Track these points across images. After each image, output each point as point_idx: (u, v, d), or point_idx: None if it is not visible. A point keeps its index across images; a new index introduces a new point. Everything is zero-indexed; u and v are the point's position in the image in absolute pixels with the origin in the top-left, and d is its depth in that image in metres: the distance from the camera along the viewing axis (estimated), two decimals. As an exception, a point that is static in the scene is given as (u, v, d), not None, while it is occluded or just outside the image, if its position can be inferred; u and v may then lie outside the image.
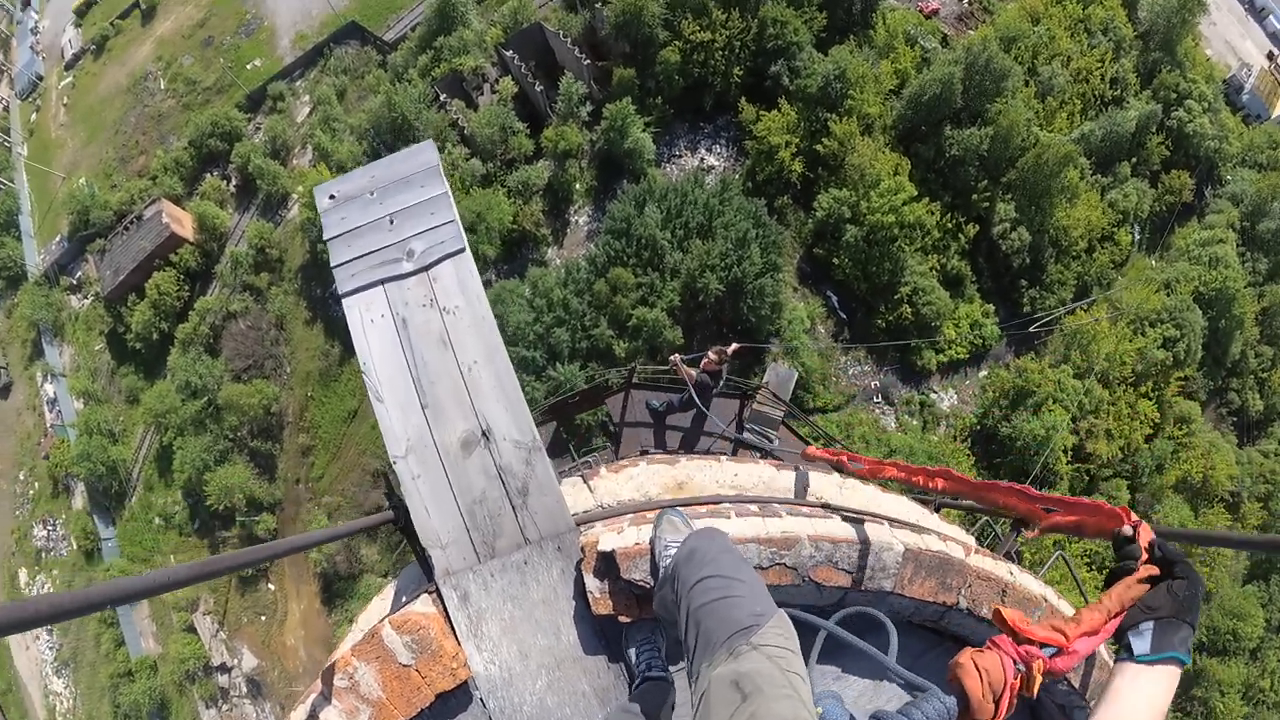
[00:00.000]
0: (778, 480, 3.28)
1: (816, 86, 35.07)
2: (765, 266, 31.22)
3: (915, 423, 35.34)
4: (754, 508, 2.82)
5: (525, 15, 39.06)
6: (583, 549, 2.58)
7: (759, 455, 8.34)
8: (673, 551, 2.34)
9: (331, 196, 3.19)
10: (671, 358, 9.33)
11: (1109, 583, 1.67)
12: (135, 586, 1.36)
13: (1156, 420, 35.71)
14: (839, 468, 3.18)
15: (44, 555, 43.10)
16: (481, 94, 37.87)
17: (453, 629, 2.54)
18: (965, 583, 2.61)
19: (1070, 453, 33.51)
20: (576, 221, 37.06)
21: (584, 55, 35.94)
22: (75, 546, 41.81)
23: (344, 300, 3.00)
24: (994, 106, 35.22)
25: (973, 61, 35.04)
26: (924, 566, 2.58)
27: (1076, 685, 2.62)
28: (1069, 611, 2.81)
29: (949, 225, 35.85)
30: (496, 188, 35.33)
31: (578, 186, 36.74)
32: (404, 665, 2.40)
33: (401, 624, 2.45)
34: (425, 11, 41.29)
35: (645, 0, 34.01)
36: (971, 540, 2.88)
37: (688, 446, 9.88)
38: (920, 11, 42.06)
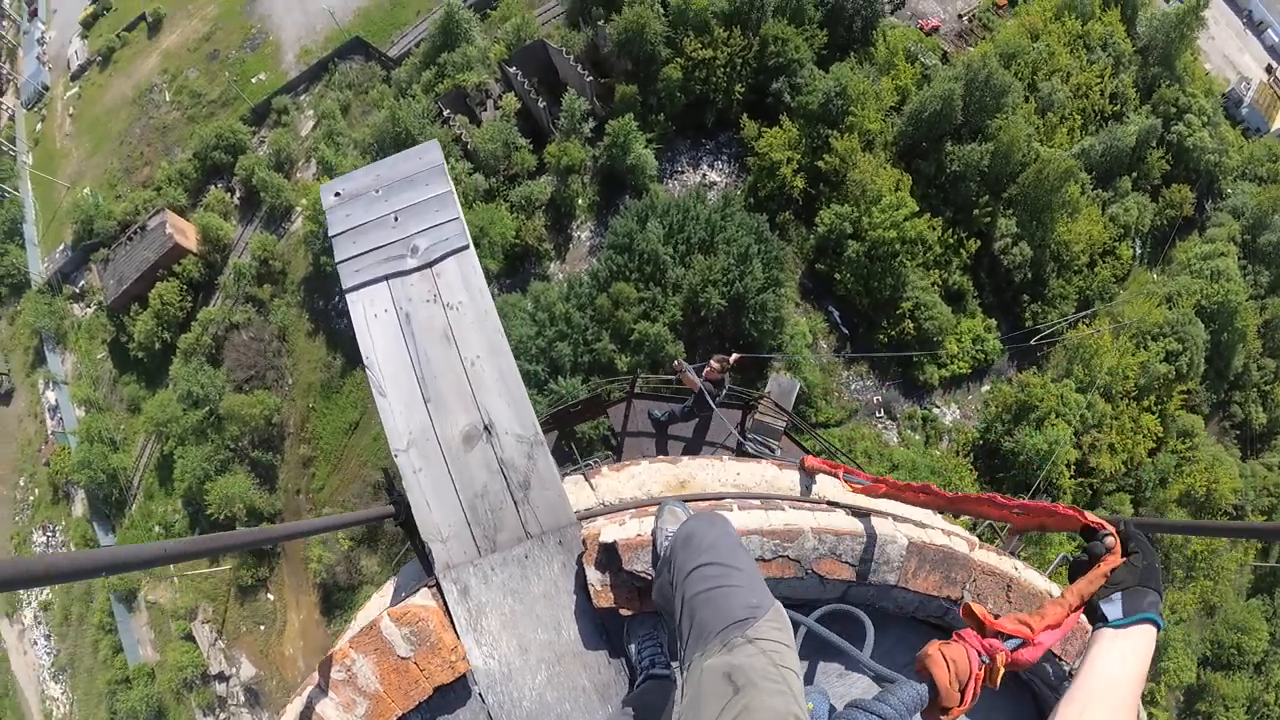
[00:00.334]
0: (780, 480, 3.26)
1: (818, 103, 35.30)
2: (767, 282, 31.27)
3: (918, 437, 35.26)
4: (756, 502, 2.81)
5: (528, 32, 39.39)
6: (584, 541, 2.57)
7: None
8: None
9: (337, 194, 3.21)
10: (676, 363, 9.34)
11: (1073, 576, 1.77)
12: (131, 556, 1.36)
13: (1159, 434, 35.65)
14: (833, 475, 3.20)
15: (43, 563, 42.94)
16: (485, 110, 38.12)
17: (452, 622, 2.52)
18: (970, 577, 2.60)
19: (1073, 467, 33.42)
20: (579, 236, 37.19)
21: (587, 72, 36.18)
22: (74, 554, 41.71)
23: (348, 295, 3.01)
24: (994, 122, 35.39)
25: (973, 78, 35.22)
26: (928, 560, 2.57)
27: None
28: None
29: (950, 240, 35.93)
30: (499, 203, 35.51)
31: (580, 202, 36.89)
32: (402, 658, 2.38)
33: (401, 616, 2.43)
34: (429, 28, 41.71)
35: (648, 18, 34.29)
36: (975, 538, 2.87)
37: (690, 455, 9.86)
38: (920, 29, 42.39)
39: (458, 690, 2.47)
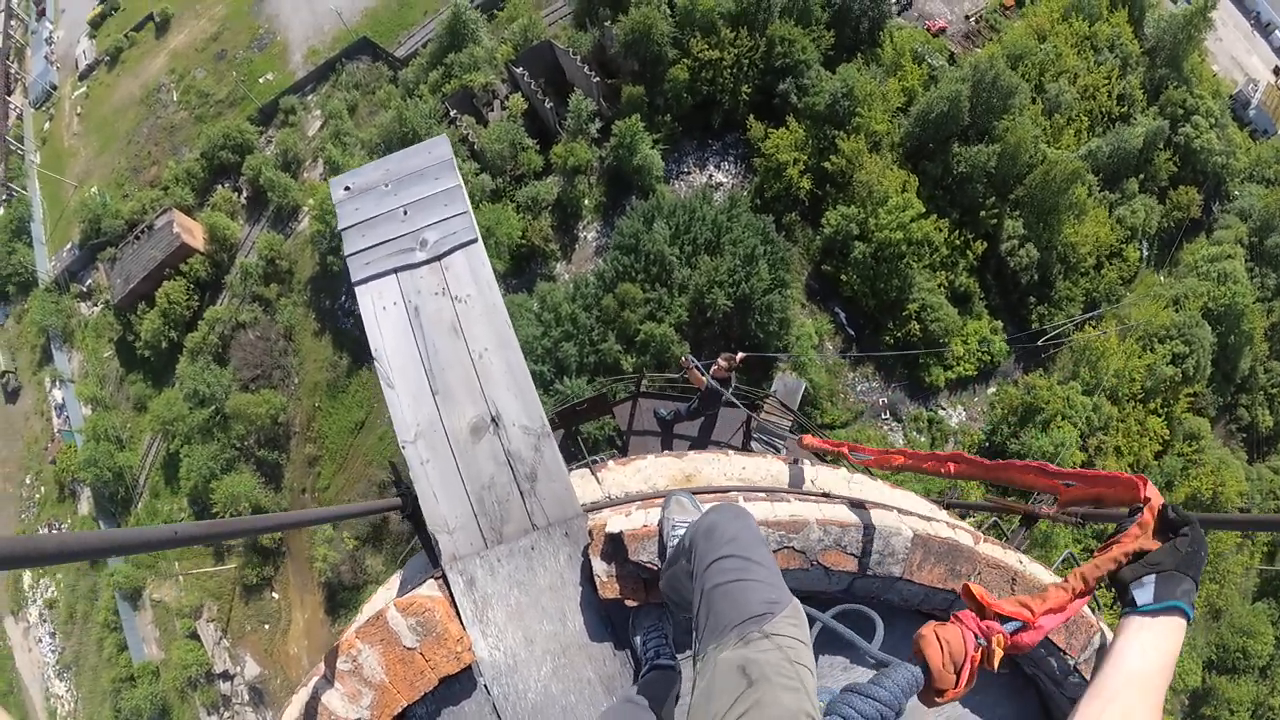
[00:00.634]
0: (786, 475, 3.27)
1: (824, 104, 35.24)
2: (773, 283, 31.22)
3: (923, 439, 35.17)
4: (762, 495, 2.81)
5: (535, 33, 39.43)
6: (590, 532, 2.58)
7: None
8: (680, 532, 2.32)
9: (347, 188, 3.23)
10: (683, 359, 9.36)
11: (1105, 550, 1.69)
12: (142, 537, 1.37)
13: (1166, 437, 35.49)
14: (839, 459, 3.16)
15: (49, 560, 43.20)
16: (491, 110, 38.17)
17: (458, 614, 2.53)
18: (975, 569, 2.60)
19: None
20: (585, 237, 37.22)
21: (593, 73, 36.21)
22: (80, 552, 41.89)
23: (357, 288, 3.04)
24: (1001, 124, 35.27)
25: (980, 79, 35.13)
26: (933, 552, 2.57)
27: (1089, 677, 2.60)
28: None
29: (957, 242, 35.82)
30: (506, 203, 35.54)
31: (586, 202, 36.93)
32: (408, 648, 2.39)
33: (407, 606, 2.44)
34: (436, 28, 41.76)
35: (654, 19, 34.28)
36: (979, 532, 2.87)
37: (696, 451, 9.85)
38: (927, 30, 42.29)
39: (463, 681, 2.48)
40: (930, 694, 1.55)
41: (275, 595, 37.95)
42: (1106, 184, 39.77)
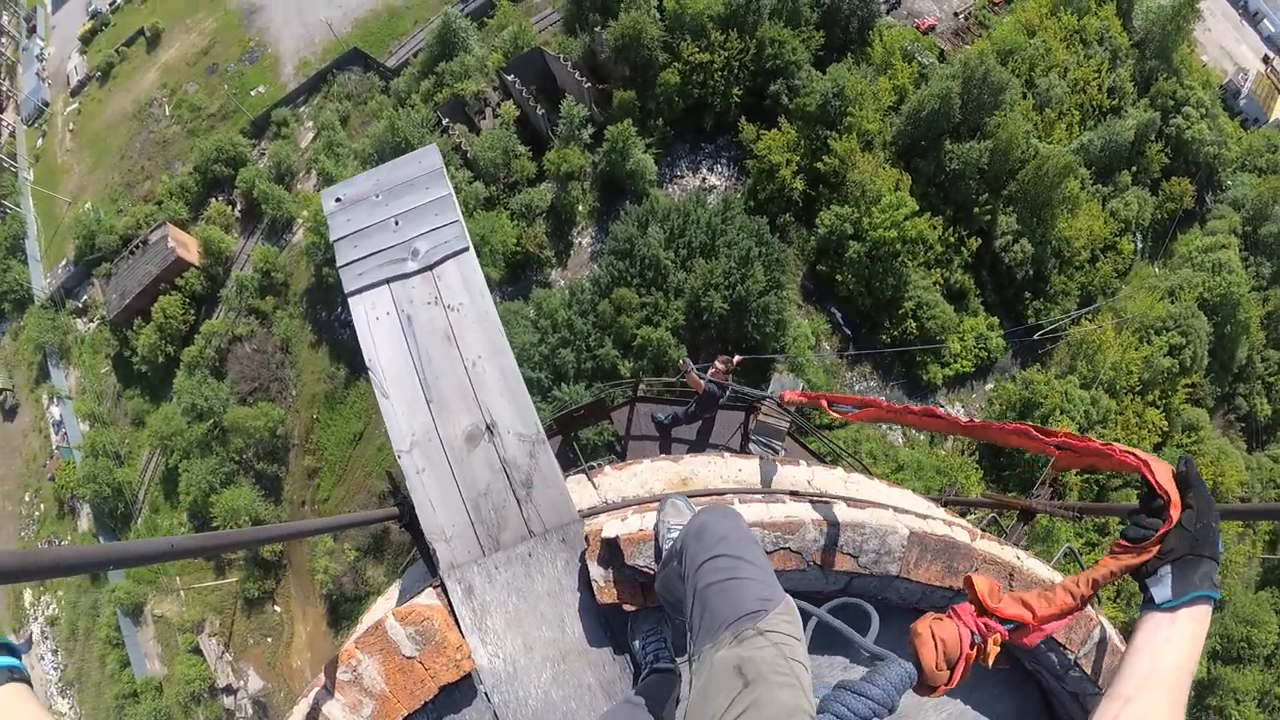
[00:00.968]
0: (782, 476, 3.28)
1: (815, 104, 35.33)
2: (769, 284, 31.24)
3: (923, 438, 35.20)
4: (758, 497, 2.81)
5: (526, 40, 39.48)
6: (587, 538, 2.58)
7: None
8: (675, 535, 2.33)
9: (338, 199, 3.24)
10: (681, 363, 9.36)
11: (1126, 540, 1.58)
12: (139, 551, 1.37)
13: (1165, 428, 35.57)
14: (816, 409, 3.13)
15: (50, 577, 43.10)
16: (484, 118, 38.21)
17: (457, 622, 2.53)
18: (972, 566, 2.60)
19: (1078, 463, 33.27)
20: (580, 243, 37.23)
21: (584, 78, 36.28)
22: (81, 569, 41.79)
23: (350, 299, 3.04)
24: (992, 120, 35.39)
25: (970, 75, 35.25)
26: (929, 550, 2.57)
27: (1089, 671, 2.60)
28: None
29: (951, 239, 35.91)
30: (500, 210, 35.56)
31: (580, 208, 36.95)
32: (407, 657, 2.39)
33: (406, 615, 2.44)
34: (427, 37, 41.86)
35: (644, 23, 34.37)
36: (976, 529, 2.87)
37: (693, 454, 9.83)
38: (917, 28, 42.45)
39: (463, 689, 2.48)
40: (924, 688, 1.56)
41: (277, 608, 37.84)
42: (1099, 177, 39.91)
